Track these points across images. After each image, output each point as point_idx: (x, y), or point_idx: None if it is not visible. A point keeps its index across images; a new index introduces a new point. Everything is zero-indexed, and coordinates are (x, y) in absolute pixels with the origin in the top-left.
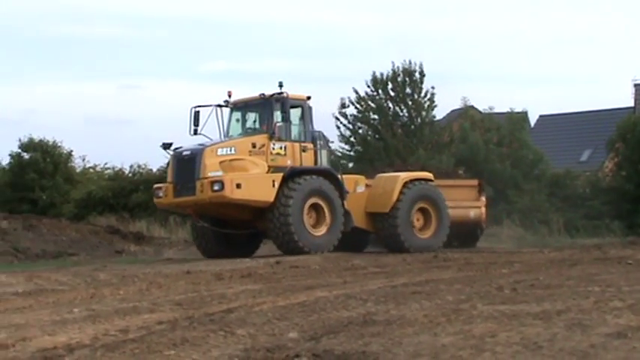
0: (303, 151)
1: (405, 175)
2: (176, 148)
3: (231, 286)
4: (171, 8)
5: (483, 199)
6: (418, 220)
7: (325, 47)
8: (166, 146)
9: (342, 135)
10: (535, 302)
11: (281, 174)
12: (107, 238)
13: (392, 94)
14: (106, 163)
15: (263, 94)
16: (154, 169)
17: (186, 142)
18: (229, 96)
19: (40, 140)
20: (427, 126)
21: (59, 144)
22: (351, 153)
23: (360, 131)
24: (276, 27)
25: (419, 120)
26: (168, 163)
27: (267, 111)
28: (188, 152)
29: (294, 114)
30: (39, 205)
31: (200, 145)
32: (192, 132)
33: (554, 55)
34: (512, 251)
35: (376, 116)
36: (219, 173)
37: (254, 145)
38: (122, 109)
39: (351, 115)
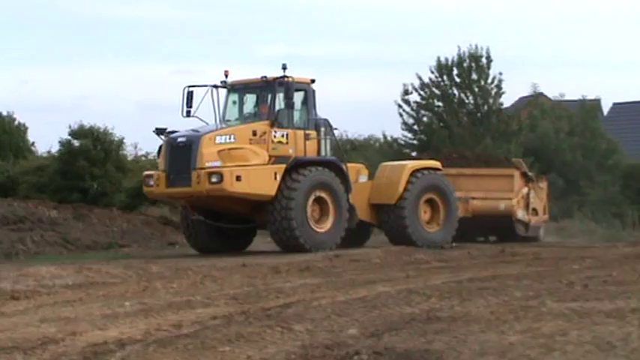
0: (306, 139)
1: (411, 164)
2: (170, 133)
3: (289, 279)
4: None
5: (525, 190)
6: (425, 213)
7: (387, 31)
8: (160, 131)
9: (404, 123)
10: (608, 299)
11: (284, 165)
12: (160, 230)
13: (457, 80)
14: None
15: (265, 77)
16: None
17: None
18: (226, 76)
19: (91, 127)
20: (494, 114)
21: (110, 131)
22: (414, 141)
23: (424, 119)
24: (337, 9)
25: (485, 107)
26: (159, 149)
27: (269, 95)
28: (183, 139)
29: (297, 99)
30: (89, 195)
31: (196, 131)
32: (184, 113)
33: (630, 40)
34: (584, 246)
35: (441, 103)
36: (218, 163)
37: (255, 133)
38: (175, 95)
39: (414, 103)
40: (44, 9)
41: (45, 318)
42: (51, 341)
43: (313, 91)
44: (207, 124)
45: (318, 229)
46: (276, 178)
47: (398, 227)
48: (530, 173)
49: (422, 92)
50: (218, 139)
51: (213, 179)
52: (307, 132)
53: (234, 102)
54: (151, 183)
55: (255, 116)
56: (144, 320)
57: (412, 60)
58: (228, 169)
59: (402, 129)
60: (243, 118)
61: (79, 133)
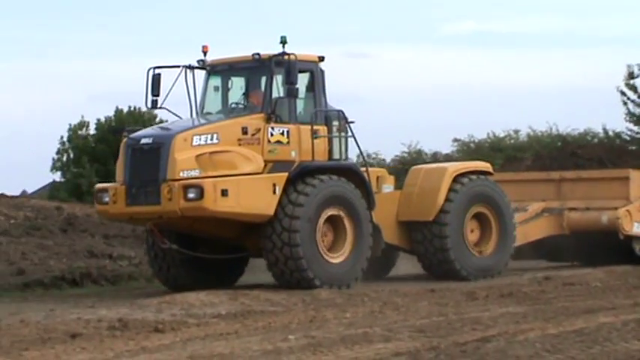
0: (314, 137)
1: (453, 167)
2: (130, 132)
3: (488, 308)
4: None
5: None
6: (473, 232)
7: (601, 1)
8: (116, 131)
9: (629, 113)
10: None
11: (285, 174)
12: None
13: None
14: None
15: (258, 54)
16: (388, 160)
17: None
18: (204, 53)
19: None
20: None
21: None
22: None
23: None
24: None
25: None
26: (117, 155)
27: (264, 78)
28: (149, 140)
29: (300, 82)
30: None
31: (166, 129)
32: (149, 104)
33: None
34: None
35: None
36: (196, 172)
37: (245, 131)
38: (347, 83)
39: None
40: None
41: (194, 354)
42: None
43: (322, 73)
44: (180, 118)
45: (332, 260)
46: (275, 191)
47: (437, 251)
48: None
49: None
50: (196, 140)
51: (191, 195)
52: (315, 128)
53: (217, 88)
54: (106, 200)
55: (245, 107)
56: (312, 357)
57: (637, 36)
58: (210, 181)
59: (627, 120)
60: (228, 110)
61: None
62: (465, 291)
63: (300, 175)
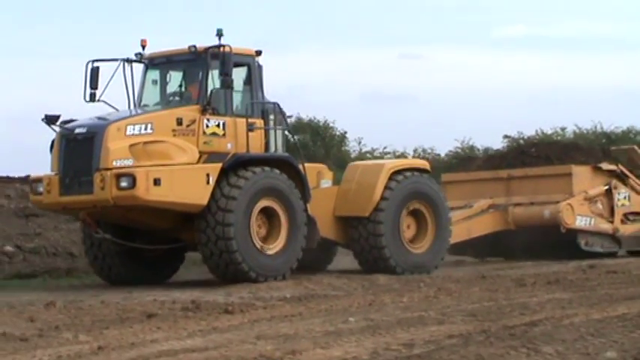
0: (250, 129)
1: (391, 164)
2: (64, 122)
3: (535, 294)
4: None
5: (599, 191)
6: (409, 228)
7: None
8: (51, 120)
9: None
10: None
11: (219, 164)
12: None
13: None
14: (385, 147)
15: (194, 47)
16: (442, 154)
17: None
18: (143, 47)
19: (310, 120)
20: None
21: (331, 124)
22: None
23: None
24: None
25: None
26: (52, 145)
27: (200, 71)
28: (82, 130)
29: (238, 76)
30: None
31: (101, 119)
32: (87, 97)
33: None
34: None
35: None
36: (129, 162)
37: (180, 122)
38: (402, 83)
39: None
40: None
41: (261, 334)
42: None
43: (259, 67)
44: (117, 110)
45: (266, 252)
46: (208, 181)
47: (372, 247)
48: (622, 169)
49: None
50: (130, 130)
51: (123, 183)
52: (251, 120)
53: (154, 81)
54: (40, 190)
55: (181, 99)
56: (371, 338)
57: None
58: (142, 170)
59: None
60: (165, 102)
61: (296, 127)
62: (514, 278)
63: (234, 166)
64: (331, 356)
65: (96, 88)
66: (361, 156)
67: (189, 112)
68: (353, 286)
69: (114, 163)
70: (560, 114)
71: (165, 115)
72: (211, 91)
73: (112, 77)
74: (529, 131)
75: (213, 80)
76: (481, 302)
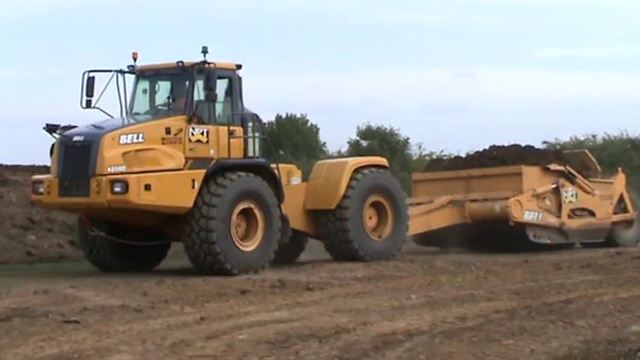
0: (231, 137)
1: (353, 161)
2: (64, 129)
3: (570, 276)
4: None
5: (548, 188)
6: (371, 219)
7: None
8: (52, 129)
9: None
10: None
11: (203, 170)
12: None
13: None
14: (442, 151)
15: (181, 62)
16: None
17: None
18: (134, 59)
19: (378, 128)
20: None
21: (396, 131)
22: None
23: None
24: (615, 9)
25: None
26: (51, 150)
27: (186, 84)
28: (80, 138)
29: (220, 87)
30: None
31: (96, 128)
32: (83, 104)
33: None
34: None
35: None
36: (123, 168)
37: (168, 131)
38: (458, 97)
39: None
40: (333, 19)
41: (337, 308)
42: (343, 330)
43: (239, 79)
44: (111, 117)
45: (244, 248)
46: (194, 186)
47: (339, 236)
48: (570, 169)
49: None
50: (123, 139)
51: (117, 189)
52: (232, 128)
53: (144, 91)
54: (41, 190)
55: (169, 109)
56: (430, 312)
57: None
58: (134, 177)
59: None
60: (154, 111)
61: (366, 133)
62: (552, 262)
63: (217, 171)
64: (396, 327)
65: (91, 96)
66: (421, 159)
67: (176, 121)
68: (414, 268)
69: (108, 170)
70: (591, 122)
71: (155, 125)
72: (197, 103)
73: (106, 86)
74: (564, 137)
75: (199, 92)
76: (524, 282)
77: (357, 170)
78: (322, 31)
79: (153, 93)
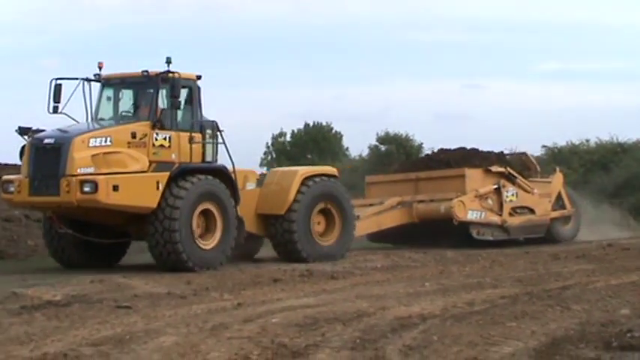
0: (191, 143)
1: (303, 170)
2: (34, 132)
3: (566, 265)
4: (503, 13)
5: (489, 189)
6: (319, 224)
7: None
8: (24, 131)
9: None
10: None
11: (167, 173)
12: None
13: None
14: None
15: (146, 71)
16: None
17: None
18: (100, 68)
19: (395, 134)
20: None
21: (411, 137)
22: None
23: None
24: (607, 28)
25: None
26: (21, 152)
27: (151, 92)
28: (51, 140)
29: (181, 97)
30: None
31: (65, 131)
32: (50, 109)
33: None
34: None
35: None
36: (91, 169)
37: (134, 135)
38: (465, 106)
39: None
40: (353, 38)
41: (359, 295)
42: (364, 314)
43: (199, 89)
44: (77, 122)
45: (203, 246)
46: (158, 187)
47: (287, 240)
48: (511, 171)
49: None
50: (92, 142)
51: (86, 188)
52: (192, 135)
53: (109, 98)
54: (11, 189)
55: (133, 116)
56: (441, 298)
57: None
58: (103, 178)
59: None
60: (119, 118)
61: (385, 139)
62: (551, 253)
63: (179, 174)
64: (411, 312)
65: (58, 102)
66: None
67: (141, 127)
68: (428, 259)
69: (78, 170)
70: (585, 128)
71: (122, 130)
72: (162, 110)
73: (72, 93)
74: (561, 142)
75: (163, 100)
76: (525, 271)
77: (306, 179)
78: (345, 48)
79: (117, 100)
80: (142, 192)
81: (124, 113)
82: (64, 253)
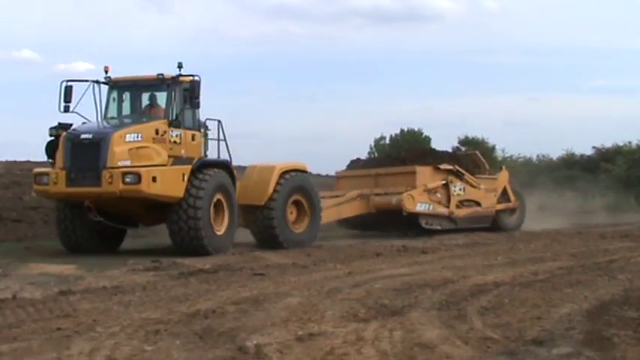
0: (192, 140)
1: (281, 165)
2: (68, 129)
3: (612, 243)
4: (558, 39)
5: (438, 184)
6: (292, 214)
7: None
8: (64, 127)
9: None
10: None
11: (189, 166)
12: None
13: None
14: (519, 153)
15: (162, 75)
16: (554, 158)
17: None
18: (106, 72)
19: (473, 138)
20: None
21: (486, 140)
22: None
23: None
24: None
25: None
26: (47, 146)
27: (166, 94)
28: (89, 136)
29: (186, 97)
30: None
31: (104, 127)
32: (62, 109)
33: None
34: None
35: None
36: (128, 162)
37: (157, 132)
38: (529, 115)
39: None
40: (439, 60)
41: (445, 266)
42: (449, 282)
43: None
44: (88, 120)
45: (217, 232)
46: (184, 179)
47: (266, 228)
48: (459, 168)
49: None
50: (128, 137)
51: (128, 179)
52: (193, 132)
53: (114, 99)
54: (45, 181)
55: (150, 115)
56: (511, 269)
57: None
58: (145, 170)
59: None
60: (137, 116)
61: (464, 142)
62: (599, 233)
63: (199, 167)
64: (486, 280)
65: (69, 102)
66: (504, 159)
67: (162, 125)
68: (499, 238)
69: (118, 163)
70: (627, 132)
71: (149, 127)
72: (180, 110)
73: (83, 94)
74: (608, 143)
75: (176, 100)
76: (579, 248)
77: (283, 173)
78: (431, 70)
79: (120, 101)
80: (172, 183)
81: (140, 113)
82: (72, 237)
